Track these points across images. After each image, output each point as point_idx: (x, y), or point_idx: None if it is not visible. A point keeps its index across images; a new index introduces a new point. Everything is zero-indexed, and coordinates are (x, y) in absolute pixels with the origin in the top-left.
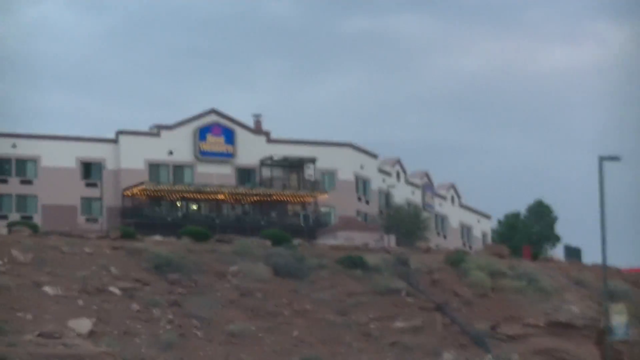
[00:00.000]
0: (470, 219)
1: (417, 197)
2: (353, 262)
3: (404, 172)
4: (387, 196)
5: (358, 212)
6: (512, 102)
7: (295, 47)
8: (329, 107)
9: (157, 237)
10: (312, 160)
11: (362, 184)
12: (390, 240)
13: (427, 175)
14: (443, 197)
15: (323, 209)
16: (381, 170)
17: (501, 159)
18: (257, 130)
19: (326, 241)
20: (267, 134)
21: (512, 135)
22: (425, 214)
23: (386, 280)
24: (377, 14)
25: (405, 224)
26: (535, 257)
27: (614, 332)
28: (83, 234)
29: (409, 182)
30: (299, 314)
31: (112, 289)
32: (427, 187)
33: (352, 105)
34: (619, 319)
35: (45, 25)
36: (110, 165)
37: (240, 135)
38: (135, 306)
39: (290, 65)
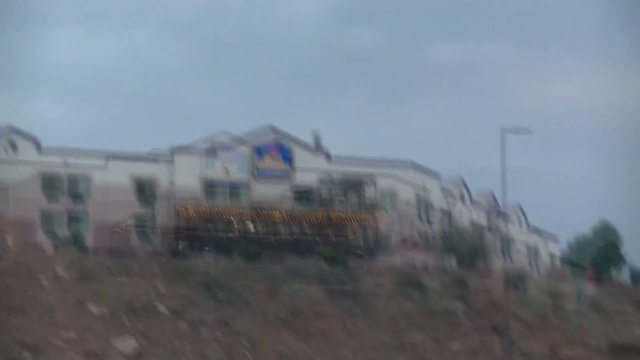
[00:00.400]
0: (537, 241)
1: (481, 219)
2: (409, 282)
3: (468, 192)
4: (449, 217)
5: (419, 234)
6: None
7: (379, 74)
8: (412, 133)
9: (208, 257)
10: (372, 180)
11: (423, 205)
12: (451, 262)
13: (492, 196)
14: (509, 219)
15: (383, 230)
16: (444, 191)
17: (564, 180)
18: (316, 148)
19: (385, 262)
20: (326, 153)
21: (577, 157)
22: (488, 236)
23: (443, 301)
24: (462, 42)
25: (468, 246)
26: (599, 279)
27: None
28: (132, 252)
29: (473, 203)
30: (352, 335)
31: (160, 307)
32: (493, 208)
33: (435, 132)
34: None
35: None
36: (164, 183)
37: (299, 153)
38: (183, 325)
39: (373, 92)
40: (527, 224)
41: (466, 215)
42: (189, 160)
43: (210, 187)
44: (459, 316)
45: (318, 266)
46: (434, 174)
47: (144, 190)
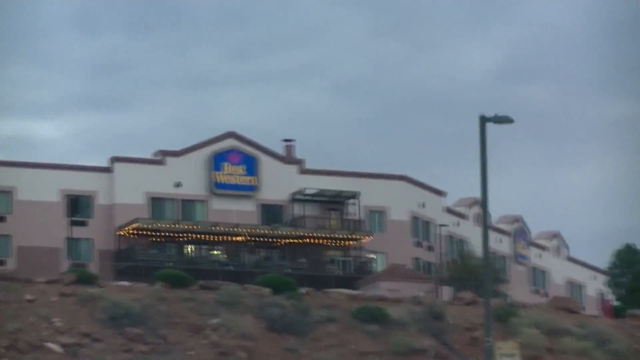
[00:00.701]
0: (581, 274)
1: (504, 246)
2: (370, 314)
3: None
4: (460, 243)
5: (417, 260)
6: None
7: (548, 130)
8: (580, 192)
9: (124, 283)
10: (355, 195)
11: (422, 227)
12: (445, 293)
13: (519, 220)
14: (543, 248)
15: (371, 255)
16: (451, 212)
17: None
18: (288, 158)
19: (366, 292)
20: (299, 163)
21: None
22: (510, 265)
23: (410, 337)
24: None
25: (476, 275)
26: (619, 313)
27: None
28: (30, 278)
29: (493, 228)
30: None
31: (52, 345)
32: (520, 234)
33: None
34: None
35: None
36: (102, 199)
37: (266, 164)
38: None
39: (543, 148)
40: (567, 255)
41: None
42: (132, 171)
43: (157, 202)
44: (428, 356)
45: (260, 294)
46: (437, 191)
47: (78, 207)
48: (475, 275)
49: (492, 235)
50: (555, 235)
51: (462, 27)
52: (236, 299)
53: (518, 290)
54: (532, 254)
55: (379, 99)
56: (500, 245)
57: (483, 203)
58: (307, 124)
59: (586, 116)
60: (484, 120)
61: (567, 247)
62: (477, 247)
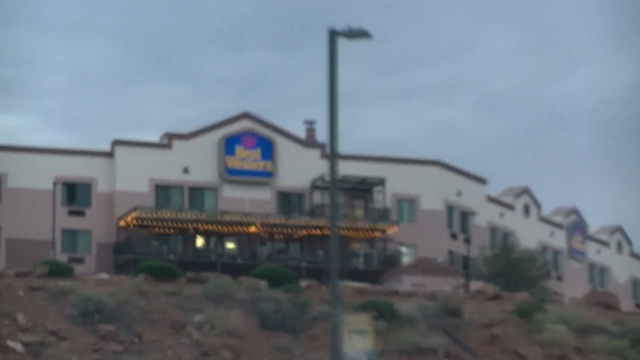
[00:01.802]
0: None
1: (558, 240)
2: (377, 310)
3: (537, 206)
4: (504, 236)
5: (451, 254)
6: None
7: None
8: None
9: (103, 276)
10: (381, 182)
11: (458, 217)
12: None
13: (576, 213)
14: (603, 243)
15: (400, 247)
16: (495, 201)
17: None
18: (308, 141)
19: (390, 287)
20: (320, 147)
21: None
22: (564, 260)
23: (419, 335)
24: None
25: (518, 271)
26: None
27: None
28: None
29: (543, 220)
30: None
31: (12, 344)
32: (575, 228)
33: None
34: (357, 343)
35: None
36: (102, 186)
37: (284, 147)
38: None
39: None
40: (631, 251)
41: (534, 235)
42: (135, 156)
43: (163, 190)
44: (438, 355)
45: (255, 287)
46: (476, 179)
47: (75, 195)
48: (518, 270)
49: (545, 228)
50: (617, 230)
51: (610, 41)
52: (226, 292)
53: (573, 288)
54: (590, 249)
55: (525, 114)
56: (553, 239)
57: (331, 130)
58: (451, 139)
59: None
60: (334, 34)
61: (630, 243)
62: (523, 241)
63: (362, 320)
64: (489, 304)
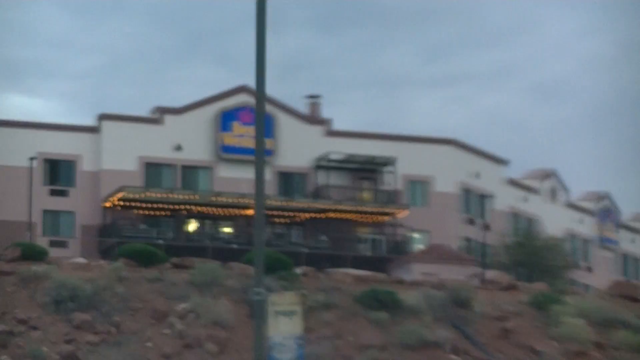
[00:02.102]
0: None
1: (588, 228)
2: (378, 300)
3: (565, 190)
4: (527, 222)
5: (468, 241)
6: None
7: None
8: None
9: (80, 260)
10: (391, 161)
11: (475, 201)
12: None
13: (607, 198)
14: (638, 232)
15: (410, 233)
16: (516, 184)
17: None
18: (311, 117)
19: (399, 275)
20: (324, 123)
21: None
22: (593, 249)
23: (423, 328)
24: None
25: (541, 260)
26: None
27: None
28: None
29: (572, 206)
30: None
31: None
32: (607, 214)
33: None
34: (283, 326)
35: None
36: (87, 164)
37: (285, 124)
38: None
39: None
40: None
41: (560, 221)
42: (123, 132)
43: (153, 169)
44: (444, 350)
45: (245, 274)
46: (495, 159)
47: (58, 174)
48: (541, 259)
49: (573, 215)
50: None
51: None
52: (214, 279)
53: (604, 280)
54: (623, 238)
55: (582, 101)
56: (583, 226)
57: (258, 70)
58: (503, 127)
59: None
60: None
61: None
62: (549, 227)
63: (289, 299)
64: (502, 294)
